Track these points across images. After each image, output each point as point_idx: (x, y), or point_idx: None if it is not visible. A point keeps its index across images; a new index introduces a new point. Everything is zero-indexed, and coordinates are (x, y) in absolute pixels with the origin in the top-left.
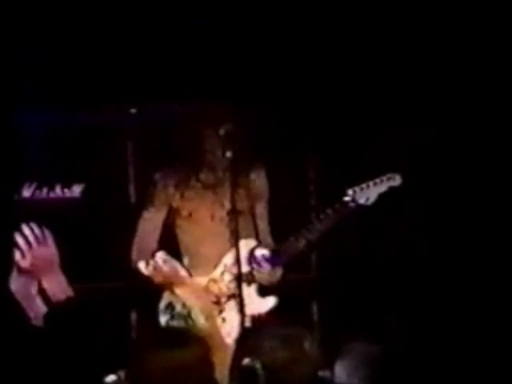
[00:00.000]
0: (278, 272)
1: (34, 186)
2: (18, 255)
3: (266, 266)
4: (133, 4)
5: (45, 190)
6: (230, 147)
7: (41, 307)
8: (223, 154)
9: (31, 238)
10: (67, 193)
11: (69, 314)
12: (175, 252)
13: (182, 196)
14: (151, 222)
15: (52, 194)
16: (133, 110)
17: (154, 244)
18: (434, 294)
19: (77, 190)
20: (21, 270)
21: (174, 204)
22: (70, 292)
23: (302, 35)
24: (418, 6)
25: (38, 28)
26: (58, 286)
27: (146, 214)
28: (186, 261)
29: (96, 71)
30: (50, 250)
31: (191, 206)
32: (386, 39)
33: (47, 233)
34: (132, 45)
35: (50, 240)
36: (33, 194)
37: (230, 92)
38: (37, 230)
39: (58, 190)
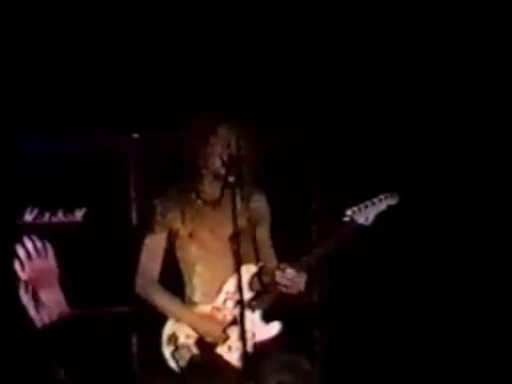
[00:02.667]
0: (303, 277)
1: (36, 210)
2: (17, 266)
3: (289, 270)
4: (135, 29)
5: (47, 215)
6: (232, 172)
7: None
8: (226, 179)
9: (31, 250)
10: (69, 217)
11: (64, 335)
12: (178, 279)
13: (182, 215)
14: (152, 248)
15: (54, 219)
16: (135, 135)
17: (156, 270)
18: (437, 313)
19: (79, 214)
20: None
21: (174, 226)
22: (65, 308)
23: (302, 54)
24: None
25: (41, 53)
26: (55, 301)
27: (147, 241)
28: (188, 288)
29: (97, 96)
30: (50, 263)
31: (192, 225)
32: (389, 57)
33: (48, 246)
34: (133, 70)
35: (51, 253)
36: (35, 218)
37: (232, 116)
38: (38, 243)
39: (60, 214)
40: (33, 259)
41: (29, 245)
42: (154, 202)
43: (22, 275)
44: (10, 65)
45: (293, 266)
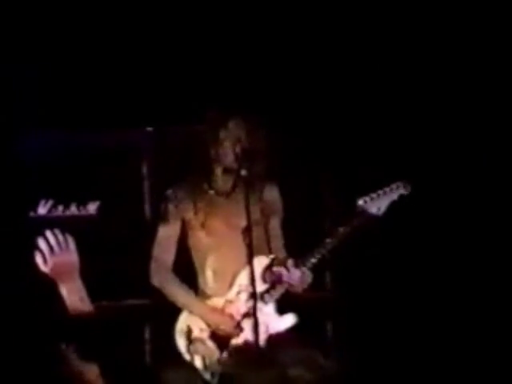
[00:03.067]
0: (309, 276)
1: (49, 203)
2: (39, 259)
3: (293, 270)
4: (148, 22)
5: (60, 208)
6: (245, 165)
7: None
8: (238, 172)
9: (54, 244)
10: (83, 210)
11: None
12: (191, 270)
13: (194, 205)
14: (166, 239)
15: (68, 212)
16: (149, 128)
17: (170, 259)
18: (452, 305)
19: (92, 207)
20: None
21: (187, 217)
22: (88, 302)
23: (307, 53)
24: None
25: (52, 48)
26: (76, 294)
27: (160, 231)
28: (200, 280)
29: (111, 90)
30: (72, 257)
31: (204, 215)
32: (392, 54)
33: (70, 239)
34: (147, 64)
35: (73, 246)
36: (48, 211)
37: (243, 110)
38: (60, 236)
39: (73, 207)
40: (55, 252)
41: (51, 238)
42: (166, 192)
43: (44, 269)
44: (23, 59)
45: (298, 265)
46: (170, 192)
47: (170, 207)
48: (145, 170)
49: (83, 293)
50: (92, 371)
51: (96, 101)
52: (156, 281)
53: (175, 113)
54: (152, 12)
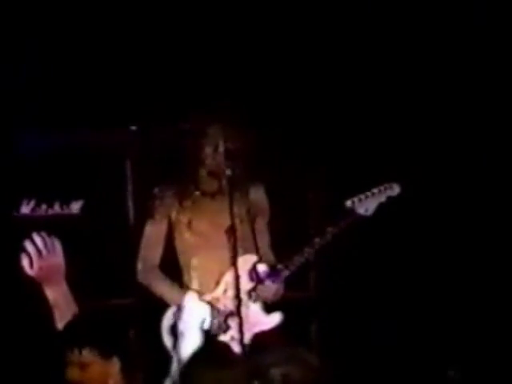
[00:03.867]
0: (280, 289)
1: (32, 202)
2: (25, 262)
3: (268, 283)
4: (134, 21)
5: (44, 207)
6: (228, 165)
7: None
8: (223, 172)
9: (41, 247)
10: (66, 209)
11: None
12: (176, 268)
13: (180, 205)
14: (153, 235)
15: (51, 211)
16: (133, 127)
17: (157, 256)
18: (437, 307)
19: (76, 206)
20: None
21: (173, 215)
22: (72, 304)
23: (300, 51)
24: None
25: (40, 47)
26: (61, 297)
27: (147, 227)
28: (185, 278)
29: (95, 89)
30: (58, 260)
31: (190, 214)
32: (385, 54)
33: (56, 242)
34: (131, 64)
35: (59, 249)
36: (32, 210)
37: (230, 109)
38: (47, 239)
39: (56, 206)
40: (42, 256)
41: (38, 241)
42: (153, 191)
43: (30, 272)
44: (10, 59)
45: (287, 267)
46: (156, 190)
47: (157, 205)
48: (129, 168)
49: (68, 295)
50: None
51: (81, 100)
52: (142, 277)
53: (159, 112)
54: (141, 12)
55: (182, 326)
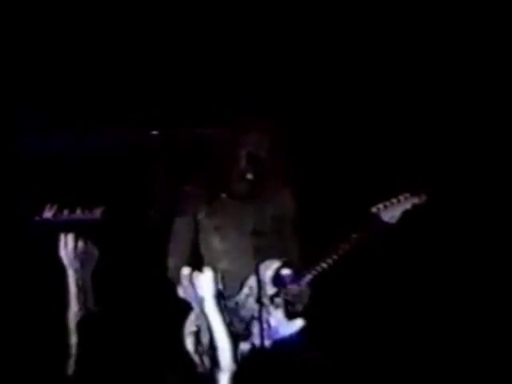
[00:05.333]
0: (306, 292)
1: (54, 208)
2: (65, 240)
3: (292, 287)
4: (156, 26)
5: (66, 212)
6: (250, 169)
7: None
8: (244, 176)
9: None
10: (88, 215)
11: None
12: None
13: (208, 207)
14: (181, 232)
15: (73, 216)
16: (155, 132)
17: (186, 253)
18: (458, 313)
19: (98, 211)
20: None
21: (200, 216)
22: (91, 300)
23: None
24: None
25: (59, 48)
26: (82, 286)
27: (176, 226)
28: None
29: (119, 93)
30: (94, 250)
31: (216, 218)
32: (394, 56)
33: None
34: (154, 67)
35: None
36: (54, 215)
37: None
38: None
39: (78, 211)
40: (79, 240)
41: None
42: (184, 188)
43: (63, 251)
44: (29, 60)
45: (309, 271)
46: (187, 188)
47: (186, 203)
48: (152, 174)
49: (89, 289)
50: None
51: (105, 103)
52: (172, 275)
53: (183, 116)
54: (162, 15)
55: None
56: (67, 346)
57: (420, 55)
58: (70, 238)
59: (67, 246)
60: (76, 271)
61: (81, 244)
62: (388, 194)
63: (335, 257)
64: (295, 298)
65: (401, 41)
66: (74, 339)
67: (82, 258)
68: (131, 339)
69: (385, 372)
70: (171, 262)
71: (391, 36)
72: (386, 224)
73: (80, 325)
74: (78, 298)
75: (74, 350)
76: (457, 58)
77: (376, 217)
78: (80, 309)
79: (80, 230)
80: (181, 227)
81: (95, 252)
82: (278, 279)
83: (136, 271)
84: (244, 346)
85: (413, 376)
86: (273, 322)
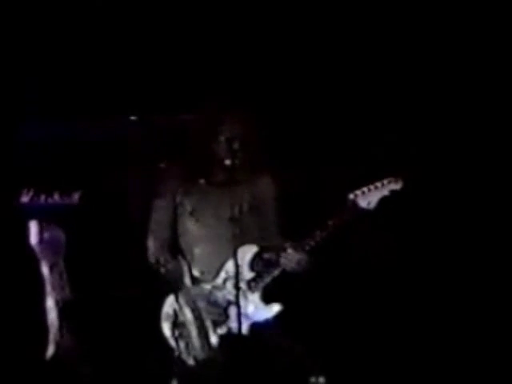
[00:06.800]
0: (303, 259)
1: (32, 192)
2: (32, 229)
3: (291, 251)
4: (133, 13)
5: (43, 197)
6: (228, 156)
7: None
8: (222, 162)
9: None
10: (66, 199)
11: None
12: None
13: (184, 190)
14: (161, 215)
15: (50, 200)
16: (133, 118)
17: (167, 232)
18: (435, 302)
19: (75, 196)
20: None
21: (178, 199)
22: (67, 288)
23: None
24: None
25: (41, 38)
26: (57, 275)
27: (155, 207)
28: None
29: (97, 79)
30: (61, 236)
31: (194, 202)
32: (384, 46)
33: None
34: (133, 54)
35: (59, 230)
36: (31, 199)
37: (237, 105)
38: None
39: (56, 196)
40: (46, 228)
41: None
42: (160, 166)
43: (34, 241)
44: (11, 51)
45: (294, 247)
46: (163, 166)
47: (163, 183)
48: (130, 159)
49: (63, 277)
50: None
51: (81, 89)
52: (152, 256)
53: (160, 102)
54: (140, 5)
55: (181, 317)
56: (44, 330)
57: (397, 43)
58: (34, 224)
59: (32, 233)
60: (46, 257)
61: (46, 229)
62: (365, 180)
63: (312, 243)
64: (292, 264)
65: (374, 30)
66: (52, 325)
67: (49, 243)
68: (109, 324)
69: (358, 360)
70: (150, 245)
71: (364, 26)
72: (363, 210)
73: (58, 311)
74: (53, 284)
75: (52, 336)
76: (439, 47)
77: (353, 203)
78: (56, 295)
79: (57, 214)
80: (159, 209)
81: (62, 236)
82: (257, 264)
83: (114, 255)
84: (221, 330)
85: (385, 361)
86: (249, 307)
